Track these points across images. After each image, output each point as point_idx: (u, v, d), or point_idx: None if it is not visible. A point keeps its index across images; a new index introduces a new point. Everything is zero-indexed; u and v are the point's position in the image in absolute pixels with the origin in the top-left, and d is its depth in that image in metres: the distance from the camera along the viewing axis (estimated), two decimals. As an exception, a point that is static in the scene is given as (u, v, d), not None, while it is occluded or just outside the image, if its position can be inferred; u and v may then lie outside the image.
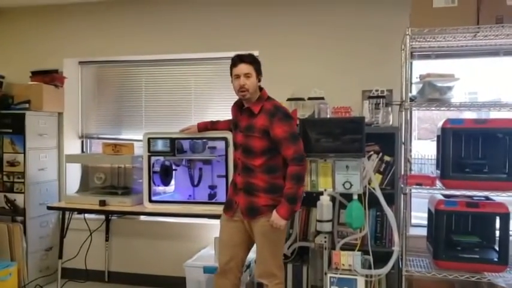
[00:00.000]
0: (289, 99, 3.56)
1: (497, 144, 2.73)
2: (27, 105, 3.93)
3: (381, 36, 3.53)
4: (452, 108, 2.87)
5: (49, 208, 3.63)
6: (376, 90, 3.40)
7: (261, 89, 2.78)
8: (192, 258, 3.49)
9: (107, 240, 4.17)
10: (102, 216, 4.11)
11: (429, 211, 3.01)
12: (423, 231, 3.18)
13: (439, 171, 2.81)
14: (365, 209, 2.89)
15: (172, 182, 3.66)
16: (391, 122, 3.37)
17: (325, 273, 2.90)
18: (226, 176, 3.23)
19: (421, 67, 3.53)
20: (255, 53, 3.02)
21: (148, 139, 3.37)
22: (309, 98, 3.52)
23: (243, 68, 2.69)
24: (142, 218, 4.16)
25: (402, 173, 2.97)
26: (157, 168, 3.49)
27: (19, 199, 3.91)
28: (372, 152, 3.24)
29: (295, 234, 3.30)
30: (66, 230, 3.65)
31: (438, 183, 2.80)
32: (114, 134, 4.38)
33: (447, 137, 2.72)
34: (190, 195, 3.59)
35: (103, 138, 4.35)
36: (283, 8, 3.78)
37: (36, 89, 3.98)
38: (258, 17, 3.83)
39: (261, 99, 2.74)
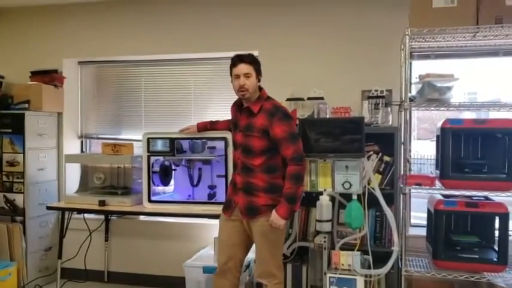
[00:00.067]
0: (288, 99, 3.56)
1: (496, 144, 2.74)
2: (26, 105, 3.93)
3: (381, 37, 3.53)
4: (451, 108, 2.87)
5: (48, 208, 3.63)
6: (376, 90, 3.41)
7: (260, 88, 2.79)
8: (192, 258, 3.49)
9: (106, 240, 4.17)
10: (102, 216, 4.11)
11: (428, 211, 3.01)
12: (422, 231, 3.18)
13: (438, 171, 2.81)
14: (364, 209, 2.89)
15: (172, 182, 3.66)
16: (390, 122, 3.37)
17: (325, 273, 2.90)
18: (226, 176, 3.23)
19: (420, 67, 3.53)
20: (255, 53, 3.03)
21: (148, 139, 3.37)
22: (309, 98, 3.53)
23: (243, 68, 2.69)
24: (142, 218, 4.16)
25: (402, 173, 2.97)
26: (156, 168, 3.49)
27: (18, 199, 3.91)
28: (371, 152, 3.25)
29: (294, 234, 3.30)
30: (65, 230, 3.64)
31: (437, 183, 2.80)
32: (113, 134, 4.38)
33: (446, 137, 2.72)
34: (189, 195, 3.59)
35: (102, 138, 4.34)
36: (282, 8, 3.78)
37: (35, 89, 3.98)
38: (258, 17, 3.83)
39: (261, 99, 2.74)
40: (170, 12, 4.03)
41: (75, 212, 3.78)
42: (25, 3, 4.28)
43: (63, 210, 3.60)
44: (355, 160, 2.88)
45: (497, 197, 2.73)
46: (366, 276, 2.88)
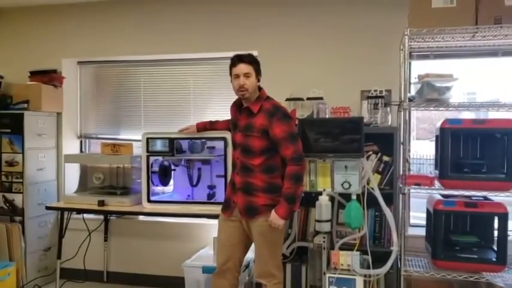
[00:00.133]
0: (288, 99, 3.56)
1: (495, 145, 2.74)
2: (25, 105, 3.93)
3: (380, 37, 3.53)
4: (450, 109, 2.87)
5: (48, 208, 3.63)
6: (375, 91, 3.41)
7: (260, 88, 2.79)
8: (191, 258, 3.49)
9: (105, 240, 4.17)
10: (101, 216, 4.10)
11: (428, 211, 3.01)
12: (422, 231, 3.18)
13: (437, 171, 2.81)
14: (364, 209, 2.90)
15: (171, 182, 3.66)
16: (389, 122, 3.38)
17: (324, 273, 2.91)
18: (225, 176, 3.23)
19: (419, 67, 3.54)
20: (254, 53, 3.03)
21: (147, 139, 3.37)
22: (308, 98, 3.53)
23: (243, 67, 2.69)
24: (141, 218, 4.16)
25: (401, 173, 2.97)
26: (156, 168, 3.49)
27: (18, 199, 3.91)
28: (370, 152, 3.25)
29: (294, 234, 3.30)
30: (64, 230, 3.64)
31: (437, 183, 2.81)
32: (112, 134, 4.38)
33: (446, 137, 2.72)
34: (189, 195, 3.59)
35: (102, 138, 4.34)
36: (282, 8, 3.78)
37: (34, 89, 3.98)
38: (257, 17, 3.83)
39: (260, 99, 2.74)
40: (169, 12, 4.03)
41: (75, 212, 3.78)
42: (24, 3, 4.28)
43: (62, 210, 3.60)
44: (355, 160, 2.89)
45: (496, 197, 2.73)
46: (365, 276, 2.88)
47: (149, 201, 3.41)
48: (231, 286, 2.80)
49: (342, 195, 3.09)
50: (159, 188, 3.56)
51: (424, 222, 3.16)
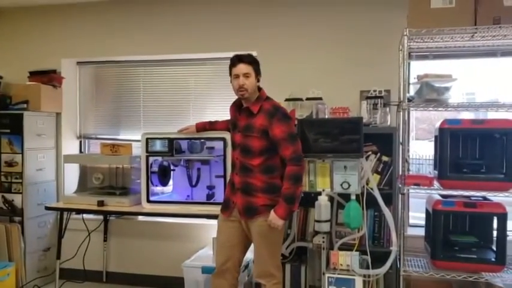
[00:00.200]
0: (287, 100, 3.57)
1: (494, 145, 2.74)
2: (25, 106, 3.93)
3: (379, 37, 3.54)
4: (450, 109, 2.88)
5: (47, 208, 3.63)
6: (374, 91, 3.41)
7: (259, 89, 2.79)
8: (190, 258, 3.49)
9: (105, 240, 4.17)
10: (100, 217, 4.11)
11: (427, 211, 3.02)
12: (421, 231, 3.18)
13: (436, 172, 2.82)
14: (363, 209, 2.90)
15: (171, 182, 3.66)
16: (389, 123, 3.38)
17: (323, 273, 2.91)
18: (225, 176, 3.23)
19: (418, 67, 3.54)
20: (253, 54, 3.03)
21: (147, 139, 3.37)
22: (307, 99, 3.53)
23: (242, 68, 2.69)
24: (141, 218, 4.16)
25: (400, 173, 2.98)
26: (155, 168, 3.49)
27: (17, 199, 3.90)
28: (369, 152, 3.25)
29: (293, 234, 3.31)
30: (64, 230, 3.64)
31: (436, 184, 2.81)
32: (112, 134, 4.38)
33: (445, 138, 2.72)
34: (188, 196, 3.59)
35: (101, 139, 4.34)
36: (281, 8, 3.79)
37: (34, 89, 3.98)
38: (256, 17, 3.83)
39: (260, 99, 2.74)
40: (169, 12, 4.03)
41: (74, 213, 3.78)
42: (24, 3, 4.28)
43: (61, 210, 3.60)
44: (354, 160, 2.89)
45: (496, 197, 2.73)
46: (364, 276, 2.88)
47: (148, 201, 3.41)
48: (231, 286, 2.80)
49: (341, 195, 3.10)
50: (159, 188, 3.56)
51: (423, 223, 3.16)
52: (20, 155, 3.88)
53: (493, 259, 2.70)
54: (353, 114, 3.45)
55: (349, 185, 2.90)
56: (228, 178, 3.03)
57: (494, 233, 2.77)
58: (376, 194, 2.93)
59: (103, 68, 4.41)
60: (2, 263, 3.70)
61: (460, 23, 2.69)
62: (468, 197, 2.80)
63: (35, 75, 4.09)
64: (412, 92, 3.06)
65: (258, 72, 2.75)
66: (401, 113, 3.00)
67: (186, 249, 3.78)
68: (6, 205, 3.93)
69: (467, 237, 2.91)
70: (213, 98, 4.08)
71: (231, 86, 2.77)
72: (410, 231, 3.50)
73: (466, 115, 3.26)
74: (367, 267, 2.91)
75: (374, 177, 3.16)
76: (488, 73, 3.57)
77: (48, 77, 4.09)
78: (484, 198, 2.79)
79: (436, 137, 2.83)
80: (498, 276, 2.72)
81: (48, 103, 4.06)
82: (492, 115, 2.98)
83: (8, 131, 3.90)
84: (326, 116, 3.44)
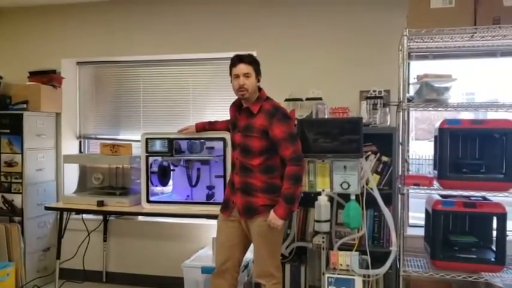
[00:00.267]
0: (287, 100, 3.57)
1: (494, 145, 2.74)
2: (25, 106, 3.93)
3: (379, 37, 3.54)
4: (449, 109, 2.88)
5: (47, 208, 3.63)
6: (374, 91, 3.41)
7: (260, 89, 2.79)
8: (190, 258, 3.49)
9: (104, 240, 4.17)
10: (100, 217, 4.11)
11: (426, 211, 3.01)
12: (421, 232, 3.18)
13: (436, 172, 2.82)
14: (363, 209, 2.90)
15: (170, 182, 3.66)
16: (388, 123, 3.38)
17: (323, 273, 2.91)
18: (224, 176, 3.23)
19: (418, 68, 3.54)
20: (253, 54, 3.03)
21: (146, 139, 3.37)
22: (307, 99, 3.54)
23: (243, 68, 2.69)
24: (140, 218, 4.16)
25: (400, 173, 2.98)
26: (155, 168, 3.49)
27: (17, 199, 3.90)
28: (369, 153, 3.25)
29: (293, 234, 3.31)
30: (64, 230, 3.64)
31: (435, 184, 2.81)
32: (112, 134, 4.37)
33: (444, 138, 2.72)
34: (188, 196, 3.59)
35: (101, 139, 4.34)
36: (281, 8, 3.79)
37: (34, 90, 3.98)
38: (256, 17, 3.83)
39: (260, 99, 2.74)
40: (169, 12, 4.03)
41: (74, 213, 3.78)
42: (24, 3, 4.28)
43: (61, 210, 3.60)
44: (354, 160, 2.89)
45: (495, 197, 2.73)
46: (364, 276, 2.88)
47: (148, 201, 3.41)
48: (230, 286, 2.80)
49: (341, 195, 3.09)
50: (158, 189, 3.56)
51: (423, 223, 3.16)
52: (20, 155, 3.88)
53: (493, 259, 2.71)
54: (353, 114, 3.45)
55: (349, 185, 2.90)
56: (227, 178, 3.03)
57: (494, 233, 2.77)
58: (376, 194, 2.94)
59: (103, 68, 4.41)
60: (2, 263, 3.70)
61: (460, 23, 2.69)
62: (468, 197, 2.80)
63: (34, 75, 4.10)
64: (411, 92, 3.06)
65: (258, 73, 2.75)
66: (401, 113, 3.00)
67: (185, 249, 3.78)
68: (6, 205, 3.93)
69: (467, 237, 2.91)
70: (212, 98, 4.08)
71: (231, 86, 2.78)
72: (410, 231, 3.50)
73: (466, 115, 3.26)
74: (367, 267, 2.91)
75: (374, 177, 3.17)
76: (488, 73, 3.58)
77: (48, 77, 4.10)
78: (484, 198, 2.79)
79: (435, 137, 2.83)
80: (498, 276, 2.72)
81: (48, 103, 4.06)
82: (492, 115, 2.98)
83: (8, 131, 3.90)
84: (326, 116, 3.44)
